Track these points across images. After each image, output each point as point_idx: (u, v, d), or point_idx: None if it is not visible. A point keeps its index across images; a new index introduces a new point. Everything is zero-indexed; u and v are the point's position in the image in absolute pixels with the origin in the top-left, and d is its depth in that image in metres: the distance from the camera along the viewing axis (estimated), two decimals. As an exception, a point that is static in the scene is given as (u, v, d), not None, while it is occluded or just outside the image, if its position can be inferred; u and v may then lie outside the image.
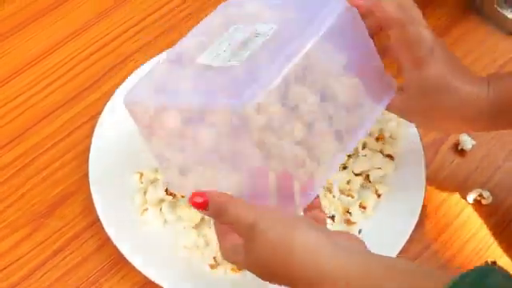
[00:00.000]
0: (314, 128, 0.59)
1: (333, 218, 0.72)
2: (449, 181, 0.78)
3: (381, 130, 0.78)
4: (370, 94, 0.63)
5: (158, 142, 0.62)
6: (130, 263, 0.70)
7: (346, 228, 0.72)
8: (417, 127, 0.78)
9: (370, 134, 0.77)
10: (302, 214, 0.60)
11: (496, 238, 0.74)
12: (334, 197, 0.72)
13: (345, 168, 0.75)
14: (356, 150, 0.76)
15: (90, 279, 0.73)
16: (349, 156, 0.76)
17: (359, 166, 0.75)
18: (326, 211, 0.71)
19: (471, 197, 0.76)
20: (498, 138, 0.80)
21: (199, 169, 0.62)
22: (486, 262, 0.72)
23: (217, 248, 0.70)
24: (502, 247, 0.74)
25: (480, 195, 0.76)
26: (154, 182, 0.75)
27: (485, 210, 0.76)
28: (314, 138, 0.59)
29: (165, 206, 0.73)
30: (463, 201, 0.77)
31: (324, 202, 0.71)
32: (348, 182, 0.74)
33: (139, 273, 0.70)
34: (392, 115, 0.70)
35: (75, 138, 0.82)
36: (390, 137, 0.78)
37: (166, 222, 0.74)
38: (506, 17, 0.88)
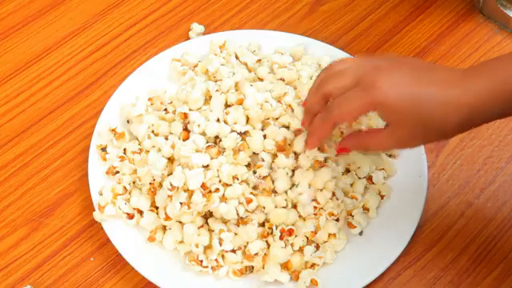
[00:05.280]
0: None
1: (337, 220, 0.71)
2: (451, 182, 0.77)
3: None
4: None
5: None
6: (130, 264, 0.70)
7: (348, 231, 0.72)
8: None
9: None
10: None
11: (498, 241, 0.74)
12: (337, 199, 0.71)
13: (348, 171, 0.75)
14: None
15: (89, 279, 0.72)
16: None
17: (363, 168, 0.74)
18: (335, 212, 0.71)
19: (472, 198, 0.76)
20: (501, 140, 0.80)
21: None
22: None
23: (219, 249, 0.70)
24: (503, 249, 0.74)
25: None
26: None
27: (487, 212, 0.76)
28: None
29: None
30: (465, 202, 0.76)
31: (329, 205, 0.71)
32: (352, 185, 0.74)
33: (139, 274, 0.70)
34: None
35: (75, 137, 0.81)
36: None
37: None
38: (509, 16, 0.87)
